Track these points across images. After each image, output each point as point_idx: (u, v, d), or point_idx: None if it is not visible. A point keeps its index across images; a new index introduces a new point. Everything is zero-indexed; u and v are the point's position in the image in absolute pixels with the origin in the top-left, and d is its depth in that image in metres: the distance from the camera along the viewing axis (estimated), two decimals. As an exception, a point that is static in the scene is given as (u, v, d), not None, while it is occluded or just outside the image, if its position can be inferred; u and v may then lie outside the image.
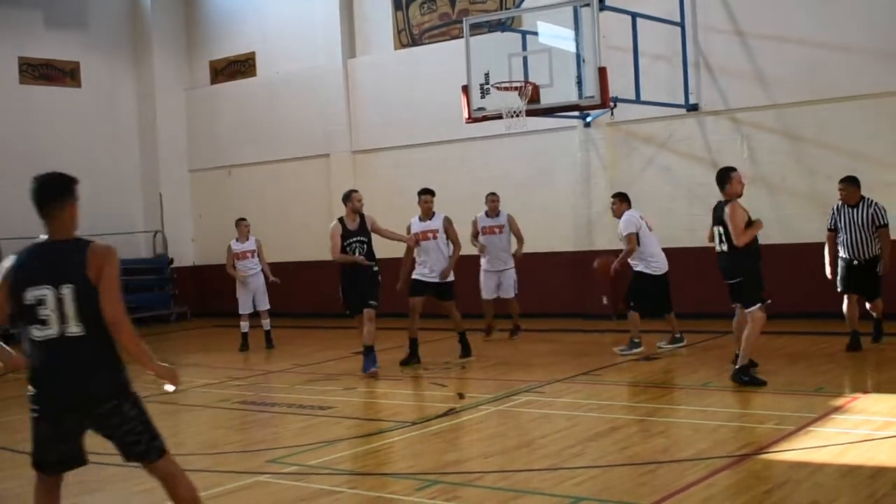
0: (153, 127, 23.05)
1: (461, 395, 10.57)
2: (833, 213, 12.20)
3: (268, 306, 16.00)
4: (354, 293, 12.43)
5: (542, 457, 7.81)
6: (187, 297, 22.78)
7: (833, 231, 12.21)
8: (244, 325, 15.95)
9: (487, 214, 15.08)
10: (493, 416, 9.55)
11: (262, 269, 15.93)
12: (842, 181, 12.15)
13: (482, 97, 15.09)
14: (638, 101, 15.45)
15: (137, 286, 22.01)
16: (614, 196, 13.70)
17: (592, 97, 14.31)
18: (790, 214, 15.40)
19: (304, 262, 19.64)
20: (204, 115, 23.19)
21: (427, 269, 13.17)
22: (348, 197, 12.60)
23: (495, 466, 7.52)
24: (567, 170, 17.79)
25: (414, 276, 13.25)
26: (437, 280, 13.13)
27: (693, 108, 16.35)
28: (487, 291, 15.05)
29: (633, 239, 13.03)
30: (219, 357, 15.55)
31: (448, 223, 13.28)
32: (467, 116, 15.26)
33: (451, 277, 13.26)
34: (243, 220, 16.17)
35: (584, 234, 17.61)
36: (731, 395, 9.88)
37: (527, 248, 17.05)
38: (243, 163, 22.35)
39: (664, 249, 13.69)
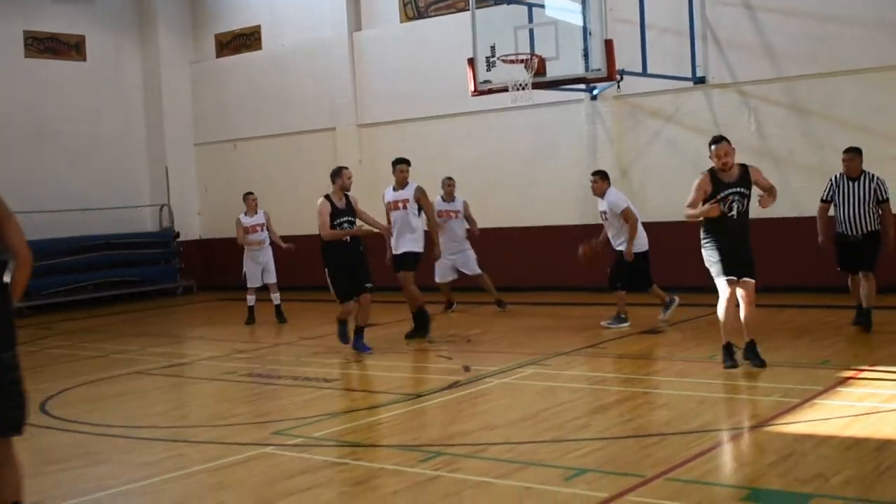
0: (159, 100, 22.98)
1: (467, 368, 10.57)
2: (831, 184, 11.72)
3: (275, 280, 15.92)
4: (346, 278, 11.94)
5: (546, 429, 7.82)
6: (193, 271, 22.78)
7: (826, 203, 11.79)
8: (251, 299, 15.90)
9: (444, 199, 15.00)
10: (497, 389, 9.56)
11: (273, 241, 15.83)
12: (847, 151, 11.71)
13: (488, 70, 15.01)
14: (644, 74, 15.39)
15: (143, 260, 22.05)
16: (595, 174, 13.44)
17: (599, 70, 14.24)
18: (797, 188, 15.32)
19: (309, 236, 19.48)
20: (209, 88, 23.12)
21: (395, 240, 13.00)
22: (338, 174, 12.10)
23: (499, 438, 7.52)
24: (573, 143, 17.74)
25: (393, 253, 13.08)
26: (401, 251, 12.95)
27: (700, 81, 16.28)
28: (441, 275, 14.96)
29: (632, 212, 12.98)
30: (225, 330, 15.57)
31: (420, 193, 12.97)
32: (473, 89, 15.18)
33: (418, 249, 13.00)
34: (250, 193, 16.03)
35: (590, 207, 17.43)
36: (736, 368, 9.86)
37: (532, 221, 17.11)
38: (249, 136, 22.28)
39: (673, 223, 13.63)
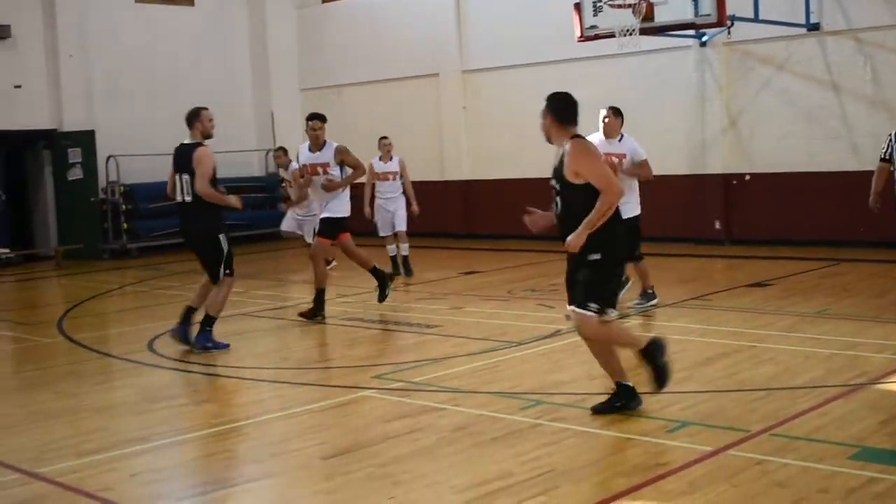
0: (264, 46, 23.15)
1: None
2: (889, 141, 10.45)
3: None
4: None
5: (647, 381, 7.71)
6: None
7: (886, 161, 10.42)
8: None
9: (381, 160, 14.83)
10: (599, 339, 9.44)
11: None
12: None
13: (595, 15, 14.81)
14: (756, 19, 14.98)
15: (250, 204, 22.26)
16: (613, 109, 10.94)
17: (709, 15, 13.96)
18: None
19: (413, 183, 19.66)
20: (315, 34, 23.19)
21: (320, 204, 11.53)
22: (197, 116, 9.91)
23: (600, 388, 7.42)
24: (681, 91, 17.37)
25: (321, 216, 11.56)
26: (327, 215, 11.34)
27: (814, 28, 15.75)
28: (383, 230, 14.87)
29: None
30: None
31: (342, 152, 11.29)
32: (579, 35, 14.98)
33: (344, 213, 11.38)
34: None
35: (697, 156, 17.23)
36: (846, 323, 9.60)
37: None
38: (353, 82, 22.32)
39: (784, 174, 13.20)
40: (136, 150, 20.23)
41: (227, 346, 9.78)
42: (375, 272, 11.72)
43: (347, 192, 11.47)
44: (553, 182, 6.70)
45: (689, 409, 6.78)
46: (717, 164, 16.86)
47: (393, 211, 14.82)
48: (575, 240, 6.44)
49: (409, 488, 5.50)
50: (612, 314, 6.75)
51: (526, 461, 5.81)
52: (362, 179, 12.92)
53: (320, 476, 5.84)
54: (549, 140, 6.78)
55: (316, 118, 11.44)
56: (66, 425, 7.32)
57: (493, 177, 19.96)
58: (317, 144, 11.36)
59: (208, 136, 9.89)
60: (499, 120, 19.58)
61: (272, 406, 7.57)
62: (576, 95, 6.81)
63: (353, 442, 6.43)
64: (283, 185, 16.15)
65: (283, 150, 16.46)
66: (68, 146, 19.89)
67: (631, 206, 10.59)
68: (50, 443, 6.78)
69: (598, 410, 6.78)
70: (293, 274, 16.92)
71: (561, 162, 6.61)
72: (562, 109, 6.76)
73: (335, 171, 11.25)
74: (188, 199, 9.75)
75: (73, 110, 20.11)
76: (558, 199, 6.67)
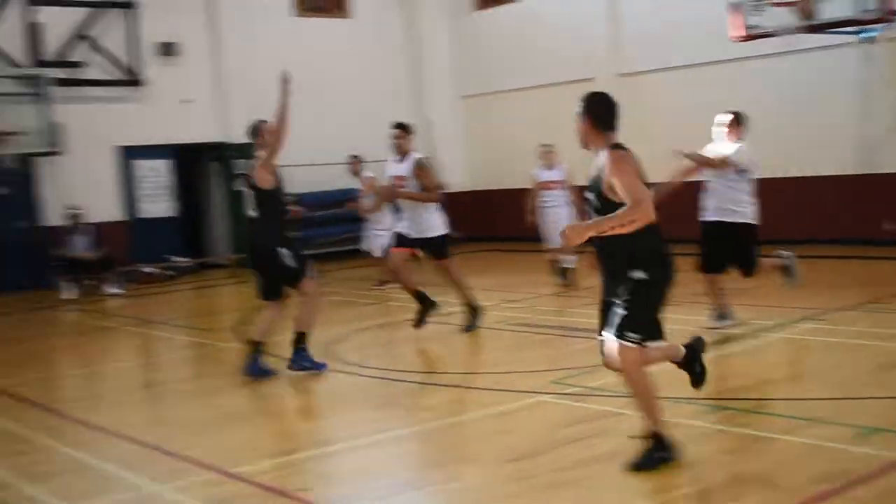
0: (420, 55, 23.49)
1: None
2: None
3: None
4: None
5: (830, 385, 7.60)
6: (460, 222, 23.04)
7: None
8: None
9: (545, 168, 14.30)
10: (775, 344, 9.35)
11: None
12: None
13: (755, 14, 14.61)
14: (923, 13, 14.54)
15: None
16: (735, 116, 9.92)
17: (873, 11, 13.61)
18: None
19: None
20: (469, 41, 23.41)
21: (407, 221, 10.92)
22: (258, 130, 9.74)
23: (780, 394, 7.37)
24: (844, 89, 16.93)
25: (397, 230, 11.17)
26: (422, 236, 10.81)
27: None
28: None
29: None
30: (493, 280, 15.67)
31: (420, 167, 10.70)
32: (740, 34, 14.80)
33: (441, 231, 10.92)
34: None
35: (864, 156, 16.76)
36: None
37: (803, 172, 16.49)
38: (510, 88, 22.41)
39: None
40: (300, 159, 20.72)
41: (324, 365, 9.37)
42: (417, 295, 11.12)
43: (433, 207, 10.88)
44: (589, 195, 6.01)
45: (876, 414, 6.66)
46: (887, 162, 16.39)
47: (555, 221, 13.89)
48: (577, 233, 5.59)
49: (595, 493, 5.58)
50: (657, 345, 6.00)
51: (712, 466, 5.83)
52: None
53: (505, 480, 5.95)
54: (586, 146, 6.13)
55: (398, 127, 10.92)
56: (253, 428, 7.64)
57: (653, 179, 19.75)
58: (400, 154, 10.87)
59: None
60: (659, 124, 19.41)
61: (450, 410, 7.73)
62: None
63: (534, 447, 6.52)
64: (359, 195, 16.35)
65: (357, 158, 16.49)
66: (235, 158, 20.57)
67: (742, 212, 9.89)
68: (240, 444, 7.08)
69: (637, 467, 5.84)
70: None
71: (600, 172, 5.92)
72: (602, 114, 6.10)
73: (414, 184, 10.71)
74: (253, 214, 9.43)
75: (239, 123, 20.65)
76: (594, 214, 5.93)
